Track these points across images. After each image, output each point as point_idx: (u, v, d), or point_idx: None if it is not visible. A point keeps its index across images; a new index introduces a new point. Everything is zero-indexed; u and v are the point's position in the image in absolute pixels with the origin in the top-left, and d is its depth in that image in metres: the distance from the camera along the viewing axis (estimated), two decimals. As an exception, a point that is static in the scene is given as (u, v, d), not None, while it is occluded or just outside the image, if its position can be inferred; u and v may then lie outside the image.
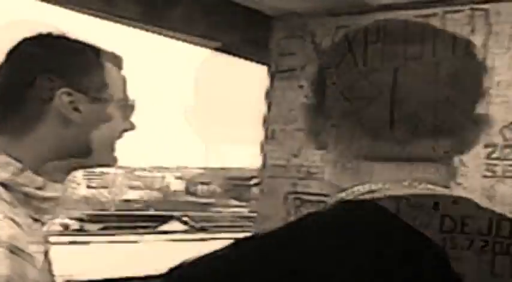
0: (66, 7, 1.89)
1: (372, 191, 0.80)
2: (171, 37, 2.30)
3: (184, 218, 24.43)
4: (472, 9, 1.76)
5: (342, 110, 0.83)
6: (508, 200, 1.70)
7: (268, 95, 2.12)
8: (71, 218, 23.67)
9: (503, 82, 1.71)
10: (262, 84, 2.12)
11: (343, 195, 0.81)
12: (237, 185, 48.03)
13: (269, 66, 2.12)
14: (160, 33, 2.28)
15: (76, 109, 1.10)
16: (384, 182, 0.81)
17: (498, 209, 0.82)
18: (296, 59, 2.06)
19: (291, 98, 2.05)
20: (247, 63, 2.27)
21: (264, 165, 2.11)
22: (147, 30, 2.23)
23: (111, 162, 1.18)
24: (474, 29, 1.76)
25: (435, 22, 1.82)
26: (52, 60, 1.12)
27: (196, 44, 2.36)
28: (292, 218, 2.00)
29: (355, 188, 0.81)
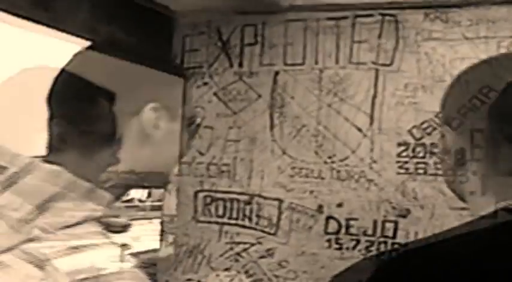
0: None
1: None
2: (58, 29, 2.17)
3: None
4: (381, 14, 1.86)
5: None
6: None
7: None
8: None
9: (411, 85, 1.82)
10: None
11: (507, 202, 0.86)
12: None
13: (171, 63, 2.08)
14: (46, 25, 2.14)
15: None
16: None
17: None
18: (201, 56, 2.04)
19: (197, 96, 2.03)
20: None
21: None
22: (34, 21, 2.08)
23: None
24: (382, 33, 1.86)
25: (345, 25, 1.90)
26: None
27: (82, 37, 2.24)
28: (201, 216, 2.01)
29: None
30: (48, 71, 1.14)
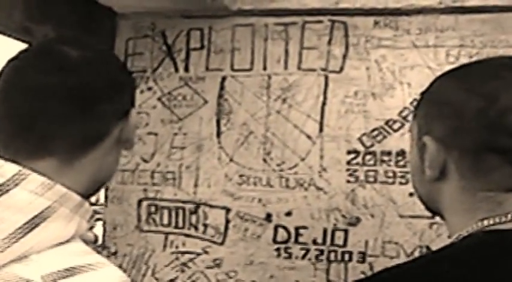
0: None
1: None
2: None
3: None
4: (331, 20, 1.84)
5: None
6: None
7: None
8: None
9: (361, 92, 1.82)
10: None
11: (484, 223, 0.83)
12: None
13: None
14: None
15: None
16: None
17: None
18: (145, 60, 1.97)
19: (141, 101, 1.96)
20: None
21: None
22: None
23: None
24: (332, 39, 1.84)
25: (294, 30, 1.87)
26: None
27: (16, 39, 2.13)
28: (145, 225, 1.94)
29: (497, 218, 0.83)
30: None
